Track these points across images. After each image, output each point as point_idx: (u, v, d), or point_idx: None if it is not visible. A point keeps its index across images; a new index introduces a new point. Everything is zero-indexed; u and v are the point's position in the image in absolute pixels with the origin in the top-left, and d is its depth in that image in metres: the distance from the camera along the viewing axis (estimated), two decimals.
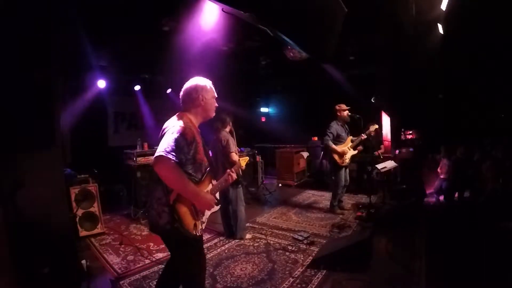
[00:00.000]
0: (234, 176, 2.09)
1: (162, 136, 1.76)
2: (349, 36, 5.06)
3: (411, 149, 6.47)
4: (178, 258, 1.93)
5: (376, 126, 4.85)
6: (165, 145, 1.64)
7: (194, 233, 1.76)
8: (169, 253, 2.05)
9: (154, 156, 1.65)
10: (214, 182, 2.02)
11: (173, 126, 1.73)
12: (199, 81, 1.94)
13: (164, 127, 1.83)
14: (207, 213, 1.92)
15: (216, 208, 1.99)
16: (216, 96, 2.00)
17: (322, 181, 6.94)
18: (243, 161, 2.38)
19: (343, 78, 6.62)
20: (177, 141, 1.66)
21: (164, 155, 1.61)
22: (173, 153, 1.63)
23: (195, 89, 1.89)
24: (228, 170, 2.10)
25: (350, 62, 6.44)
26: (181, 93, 1.95)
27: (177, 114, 1.88)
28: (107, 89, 6.28)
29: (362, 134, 4.79)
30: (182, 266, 1.91)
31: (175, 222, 1.68)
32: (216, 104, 2.00)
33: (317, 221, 4.62)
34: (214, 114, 2.00)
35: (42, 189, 2.55)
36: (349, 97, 5.27)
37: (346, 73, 6.72)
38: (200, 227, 1.83)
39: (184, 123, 1.75)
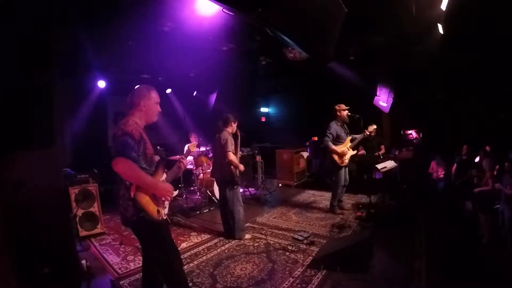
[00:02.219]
0: (185, 162, 2.31)
1: (113, 138, 1.97)
2: (349, 36, 5.06)
3: (411, 149, 6.47)
4: (149, 247, 2.12)
5: (375, 126, 4.85)
6: (119, 148, 1.87)
7: (159, 217, 1.98)
8: None
9: (112, 159, 1.85)
10: (167, 172, 2.22)
11: (121, 129, 1.92)
12: (143, 89, 2.15)
13: (113, 131, 2.02)
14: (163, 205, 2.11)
15: (175, 193, 2.19)
16: (159, 101, 2.19)
17: (322, 181, 6.95)
18: (192, 146, 2.57)
19: (352, 76, 6.60)
20: (127, 142, 1.87)
21: (119, 156, 1.84)
22: (127, 153, 1.85)
23: (138, 96, 2.10)
24: (179, 157, 2.33)
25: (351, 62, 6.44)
26: (128, 98, 2.15)
27: (123, 117, 2.08)
28: (107, 89, 6.29)
29: (362, 134, 4.80)
30: (155, 253, 2.08)
31: (140, 212, 1.90)
32: (160, 110, 2.19)
33: (317, 221, 4.62)
34: (156, 119, 2.19)
35: (42, 189, 2.55)
36: (349, 97, 5.26)
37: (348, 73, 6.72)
38: (163, 212, 2.03)
39: (130, 124, 1.95)
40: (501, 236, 3.67)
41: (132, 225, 2.03)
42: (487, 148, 5.14)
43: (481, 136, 5.53)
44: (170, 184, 2.11)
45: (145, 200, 1.93)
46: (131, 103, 2.11)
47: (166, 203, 2.10)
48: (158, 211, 1.98)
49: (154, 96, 2.15)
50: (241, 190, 4.24)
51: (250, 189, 6.26)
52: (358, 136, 4.85)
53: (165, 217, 2.06)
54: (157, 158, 2.16)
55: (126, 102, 2.14)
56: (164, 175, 2.15)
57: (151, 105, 2.12)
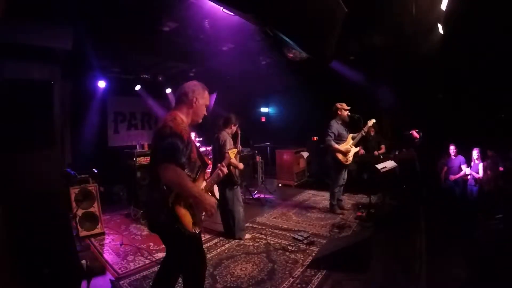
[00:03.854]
0: (225, 170, 2.12)
1: (158, 135, 1.76)
2: (349, 36, 5.06)
3: (411, 149, 6.46)
4: (179, 255, 1.96)
5: (374, 121, 4.87)
6: (168, 151, 1.67)
7: (194, 231, 1.82)
8: None
9: (158, 163, 1.67)
10: (207, 179, 2.08)
11: (169, 127, 1.73)
12: (198, 84, 2.00)
13: (158, 126, 1.83)
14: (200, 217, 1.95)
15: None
16: (208, 104, 2.04)
17: (322, 181, 6.94)
18: (232, 153, 2.38)
19: (352, 76, 6.60)
20: (177, 145, 1.69)
21: (169, 162, 1.64)
22: (176, 158, 1.67)
23: (192, 90, 1.93)
24: (219, 165, 2.13)
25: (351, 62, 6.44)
26: (178, 91, 1.98)
27: (170, 112, 1.91)
28: (107, 89, 6.29)
29: (362, 130, 4.81)
30: (184, 261, 1.96)
31: (176, 223, 1.73)
32: (205, 113, 2.04)
33: (317, 221, 4.62)
34: (201, 120, 2.03)
35: (42, 189, 2.55)
36: (349, 97, 5.26)
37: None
38: (198, 226, 1.88)
39: (179, 123, 1.78)
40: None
41: (161, 232, 1.88)
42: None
43: (481, 136, 5.53)
44: (214, 198, 1.99)
45: (183, 212, 1.77)
46: (181, 97, 1.93)
47: (202, 216, 1.94)
48: (194, 224, 1.82)
49: (207, 96, 2.01)
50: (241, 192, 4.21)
51: (253, 194, 6.27)
52: (358, 134, 4.87)
53: (198, 231, 1.89)
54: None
55: (176, 94, 1.97)
56: (204, 183, 2.02)
57: (202, 104, 1.96)
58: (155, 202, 1.81)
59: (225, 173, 2.13)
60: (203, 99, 1.97)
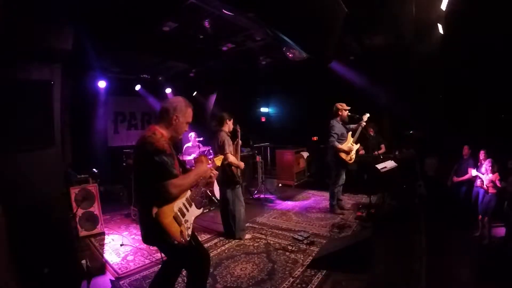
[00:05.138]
0: (214, 174, 2.16)
1: (141, 153, 1.79)
2: (349, 36, 5.06)
3: (411, 149, 6.47)
4: (177, 262, 2.06)
5: (368, 115, 4.86)
6: (158, 170, 1.72)
7: (182, 240, 1.80)
8: None
9: (155, 183, 1.72)
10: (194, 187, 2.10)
11: (151, 144, 1.74)
12: (181, 101, 1.98)
13: (138, 143, 1.84)
14: (191, 217, 1.96)
15: (199, 212, 2.07)
16: (190, 121, 2.03)
17: (322, 181, 6.94)
18: (218, 160, 2.40)
19: (352, 76, 6.61)
20: (164, 161, 1.74)
21: (166, 181, 1.72)
22: (169, 174, 1.74)
23: (174, 108, 1.93)
24: (208, 167, 2.15)
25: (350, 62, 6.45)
26: (161, 105, 2.00)
27: (149, 127, 1.93)
28: (107, 89, 6.29)
29: (361, 123, 4.83)
30: (185, 266, 2.05)
31: (162, 235, 1.74)
32: (187, 129, 2.04)
33: (317, 221, 4.62)
34: (180, 137, 2.05)
35: (42, 189, 2.55)
36: (349, 97, 5.26)
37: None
38: (186, 232, 1.87)
39: (159, 139, 1.79)
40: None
41: (156, 246, 1.95)
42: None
43: (481, 136, 5.53)
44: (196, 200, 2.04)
45: (167, 221, 1.75)
46: (162, 113, 1.93)
47: (189, 223, 1.92)
48: (181, 232, 1.81)
49: (189, 114, 1.98)
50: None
51: (254, 194, 6.26)
52: (354, 126, 4.88)
53: (188, 239, 1.87)
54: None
55: (160, 107, 1.99)
56: (189, 192, 2.01)
57: (182, 122, 1.95)
58: (141, 216, 1.86)
59: (215, 176, 2.18)
60: (184, 117, 1.96)
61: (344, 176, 5.00)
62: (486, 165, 4.24)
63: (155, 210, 1.72)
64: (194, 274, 2.05)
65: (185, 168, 2.11)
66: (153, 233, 1.78)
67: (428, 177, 5.96)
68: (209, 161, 2.23)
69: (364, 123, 4.87)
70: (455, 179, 5.20)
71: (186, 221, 1.88)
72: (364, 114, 4.84)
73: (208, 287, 2.78)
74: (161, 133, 1.86)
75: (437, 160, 6.09)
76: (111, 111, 7.01)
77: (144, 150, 1.76)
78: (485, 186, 4.16)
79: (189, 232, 1.90)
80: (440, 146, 6.12)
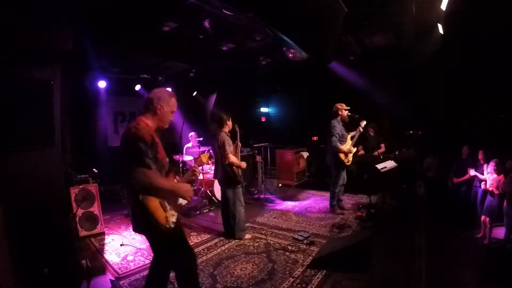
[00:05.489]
0: (198, 172, 2.19)
1: (122, 141, 1.88)
2: (349, 36, 5.07)
3: (411, 149, 6.47)
4: (161, 251, 2.06)
5: (365, 122, 4.95)
6: (133, 155, 1.78)
7: (167, 225, 1.86)
8: None
9: (127, 167, 1.77)
10: (178, 178, 2.14)
11: (132, 133, 1.83)
12: (164, 92, 2.06)
13: (123, 133, 1.93)
14: (176, 204, 2.02)
15: (184, 201, 2.14)
16: (175, 110, 2.09)
17: (322, 181, 6.94)
18: (204, 157, 2.44)
19: (352, 76, 6.62)
20: (140, 148, 1.78)
21: (136, 165, 1.76)
22: (142, 161, 1.78)
23: (158, 98, 2.00)
24: (192, 166, 2.20)
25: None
26: (146, 97, 2.06)
27: (136, 119, 2.00)
28: (107, 89, 6.29)
29: (359, 129, 4.90)
30: (168, 258, 2.05)
31: (149, 218, 1.80)
32: (172, 118, 2.10)
33: (317, 221, 4.62)
34: (167, 126, 2.10)
35: (42, 189, 2.55)
36: (349, 97, 5.27)
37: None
38: (171, 219, 1.92)
39: (141, 128, 1.86)
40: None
41: (144, 232, 1.98)
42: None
43: (480, 136, 5.52)
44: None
45: (154, 204, 1.83)
46: (147, 104, 2.00)
47: (174, 211, 1.98)
48: (166, 218, 1.87)
49: (173, 103, 2.05)
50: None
51: (254, 194, 6.27)
52: (354, 133, 4.96)
53: (173, 225, 1.92)
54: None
55: (144, 100, 2.05)
56: (175, 181, 2.08)
57: (167, 111, 2.02)
58: (132, 207, 1.89)
59: (198, 175, 2.19)
60: (169, 106, 2.02)
61: (345, 176, 5.00)
62: (491, 165, 4.23)
63: (141, 193, 1.80)
64: (179, 270, 2.08)
65: (173, 160, 2.15)
66: (140, 217, 1.84)
67: (428, 178, 5.95)
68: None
69: (362, 130, 4.94)
70: (455, 180, 5.19)
71: (171, 208, 1.95)
72: (361, 120, 4.90)
73: (208, 287, 2.79)
74: (146, 123, 1.94)
75: (437, 160, 6.09)
76: (111, 111, 7.01)
77: (125, 138, 1.86)
78: (489, 187, 4.15)
79: (174, 220, 1.95)
80: (440, 146, 6.11)
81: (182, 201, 2.07)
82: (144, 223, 1.86)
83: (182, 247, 2.07)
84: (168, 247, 1.98)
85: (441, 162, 6.01)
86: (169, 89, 2.14)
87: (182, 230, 2.19)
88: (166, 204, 1.90)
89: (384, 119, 7.17)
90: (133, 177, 1.77)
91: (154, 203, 1.82)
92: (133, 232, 2.13)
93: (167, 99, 2.01)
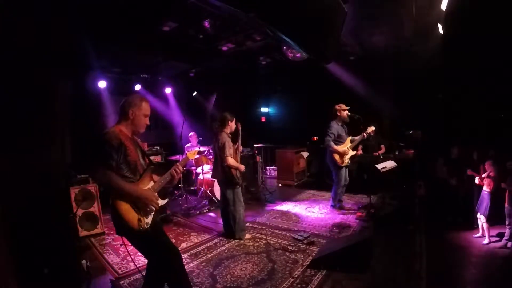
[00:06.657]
0: (179, 170, 2.17)
1: (92, 145, 1.97)
2: (349, 36, 5.06)
3: (411, 150, 6.47)
4: (142, 251, 2.10)
5: (373, 128, 4.90)
6: (97, 156, 1.87)
7: (139, 227, 1.88)
8: None
9: (92, 170, 1.81)
10: (156, 178, 2.13)
11: (100, 137, 1.91)
12: (135, 97, 2.10)
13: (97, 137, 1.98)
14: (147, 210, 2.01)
15: (163, 202, 2.09)
16: (149, 114, 2.12)
17: (322, 181, 6.94)
18: (191, 154, 2.47)
19: (352, 76, 6.62)
20: (103, 150, 1.84)
21: (97, 166, 1.84)
22: (103, 161, 1.83)
23: (129, 103, 2.04)
24: (176, 164, 2.19)
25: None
26: (119, 107, 2.10)
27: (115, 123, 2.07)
28: (107, 89, 6.29)
29: (363, 134, 4.83)
30: (148, 258, 2.11)
31: (121, 221, 1.84)
32: (148, 123, 2.12)
33: (317, 221, 4.62)
34: (143, 130, 2.13)
35: (42, 189, 2.55)
36: (349, 97, 5.27)
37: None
38: (144, 221, 1.93)
39: (110, 132, 1.92)
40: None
41: (120, 234, 1.95)
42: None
43: (480, 136, 5.53)
44: (159, 191, 2.05)
45: (125, 207, 1.86)
46: (120, 111, 2.06)
47: (150, 213, 1.98)
48: (140, 220, 1.88)
49: (145, 107, 2.08)
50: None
51: (255, 195, 6.26)
52: (358, 138, 4.90)
53: (147, 227, 1.93)
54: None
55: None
56: (151, 183, 2.07)
57: (139, 115, 2.05)
58: (111, 209, 1.91)
59: (180, 172, 2.18)
60: (140, 110, 2.05)
61: (347, 177, 5.00)
62: (486, 165, 4.25)
63: (112, 196, 1.86)
64: (162, 272, 2.08)
65: (151, 162, 2.16)
66: (115, 220, 1.88)
67: (439, 179, 5.88)
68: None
69: (366, 135, 4.88)
70: (469, 172, 4.99)
71: (147, 209, 1.96)
72: (369, 126, 4.87)
73: (208, 287, 2.79)
74: (120, 129, 1.99)
75: (443, 161, 6.07)
76: (111, 111, 7.00)
77: (92, 143, 1.97)
78: (482, 181, 4.16)
79: (149, 220, 1.96)
80: (439, 146, 6.11)
81: (161, 202, 2.05)
82: (118, 226, 1.89)
83: (161, 248, 2.06)
84: (146, 249, 2.01)
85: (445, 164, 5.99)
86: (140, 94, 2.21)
87: (163, 230, 2.20)
88: (138, 207, 1.92)
89: (384, 119, 7.17)
90: (95, 176, 1.84)
91: (124, 206, 1.87)
92: None
93: (138, 104, 2.05)
